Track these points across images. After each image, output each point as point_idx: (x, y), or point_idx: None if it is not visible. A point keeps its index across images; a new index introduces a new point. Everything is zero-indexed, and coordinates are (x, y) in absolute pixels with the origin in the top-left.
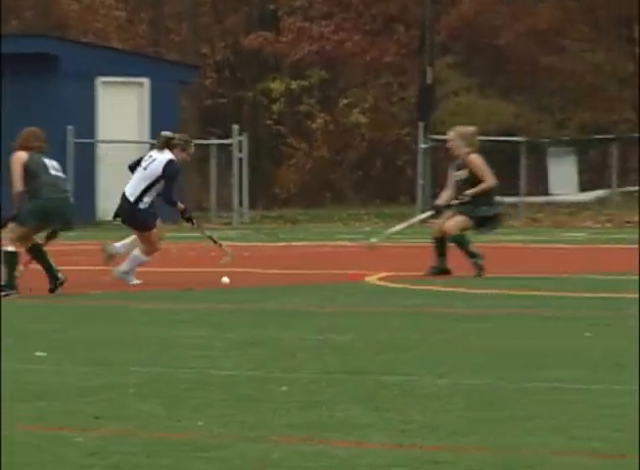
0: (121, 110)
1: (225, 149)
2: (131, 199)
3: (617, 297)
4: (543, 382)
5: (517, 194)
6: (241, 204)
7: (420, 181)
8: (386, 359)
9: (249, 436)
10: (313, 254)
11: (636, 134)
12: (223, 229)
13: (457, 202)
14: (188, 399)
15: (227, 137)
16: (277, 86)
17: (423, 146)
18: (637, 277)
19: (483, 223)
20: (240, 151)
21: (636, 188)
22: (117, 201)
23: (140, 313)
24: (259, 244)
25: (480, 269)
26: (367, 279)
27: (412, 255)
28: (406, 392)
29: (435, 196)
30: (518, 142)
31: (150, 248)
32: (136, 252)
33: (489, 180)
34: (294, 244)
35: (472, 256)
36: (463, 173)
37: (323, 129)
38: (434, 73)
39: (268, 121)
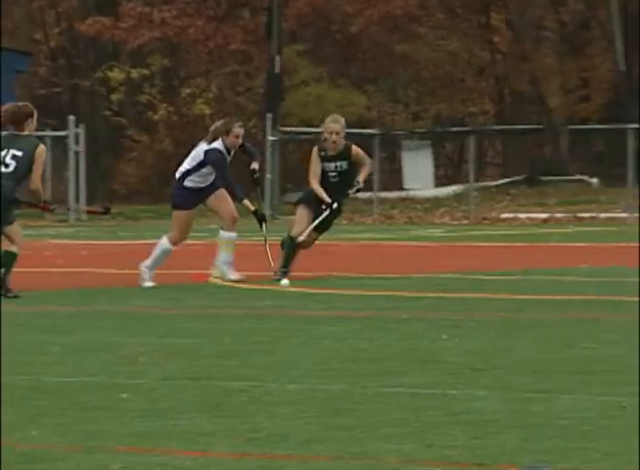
0: None
1: (60, 141)
2: (177, 176)
3: (474, 297)
4: (399, 387)
5: (370, 189)
6: (77, 200)
7: (268, 176)
8: (232, 365)
9: (87, 446)
10: None
11: (494, 127)
12: (58, 226)
13: (354, 190)
14: (22, 408)
15: (62, 129)
16: (116, 75)
17: (271, 138)
18: (493, 277)
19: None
20: (76, 143)
21: (494, 183)
22: None
23: None
24: (97, 242)
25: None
26: (212, 279)
27: (260, 253)
28: (254, 398)
29: (285, 191)
30: (371, 134)
31: (178, 236)
32: (163, 241)
33: (370, 162)
34: (134, 242)
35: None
36: (343, 164)
37: (165, 121)
38: (282, 62)
39: (107, 112)
